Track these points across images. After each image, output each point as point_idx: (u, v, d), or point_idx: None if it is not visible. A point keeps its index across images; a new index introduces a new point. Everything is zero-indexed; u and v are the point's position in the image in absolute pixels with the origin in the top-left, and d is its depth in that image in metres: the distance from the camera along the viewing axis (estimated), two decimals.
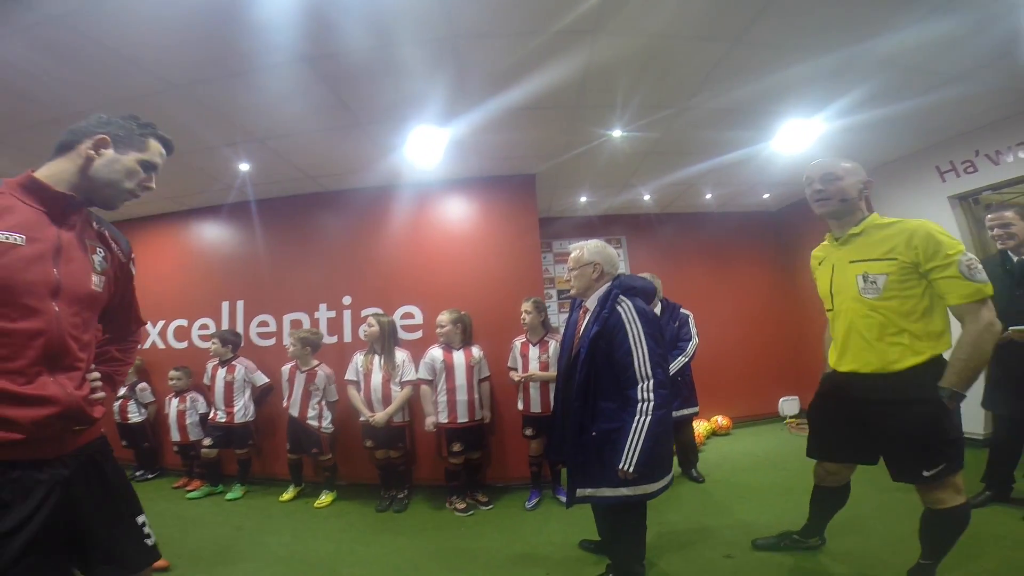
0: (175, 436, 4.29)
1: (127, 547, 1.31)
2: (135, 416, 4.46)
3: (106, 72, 2.42)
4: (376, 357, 3.66)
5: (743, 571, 2.33)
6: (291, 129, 3.26)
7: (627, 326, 1.94)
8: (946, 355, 1.80)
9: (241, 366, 4.08)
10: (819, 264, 2.15)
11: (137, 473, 4.52)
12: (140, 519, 1.38)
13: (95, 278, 1.31)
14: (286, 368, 3.97)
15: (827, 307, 2.09)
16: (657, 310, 3.76)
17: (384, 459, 3.64)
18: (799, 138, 3.66)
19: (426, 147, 3.52)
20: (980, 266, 1.72)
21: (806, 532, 2.39)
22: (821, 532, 2.39)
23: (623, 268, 5.87)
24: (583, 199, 5.31)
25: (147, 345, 4.74)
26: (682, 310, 3.77)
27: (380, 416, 3.53)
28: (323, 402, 3.88)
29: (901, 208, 4.22)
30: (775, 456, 4.27)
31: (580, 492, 2.02)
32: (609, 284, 2.11)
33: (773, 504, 3.15)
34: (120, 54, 2.33)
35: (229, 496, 3.93)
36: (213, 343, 4.15)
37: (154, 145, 1.38)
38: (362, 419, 3.62)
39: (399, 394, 3.59)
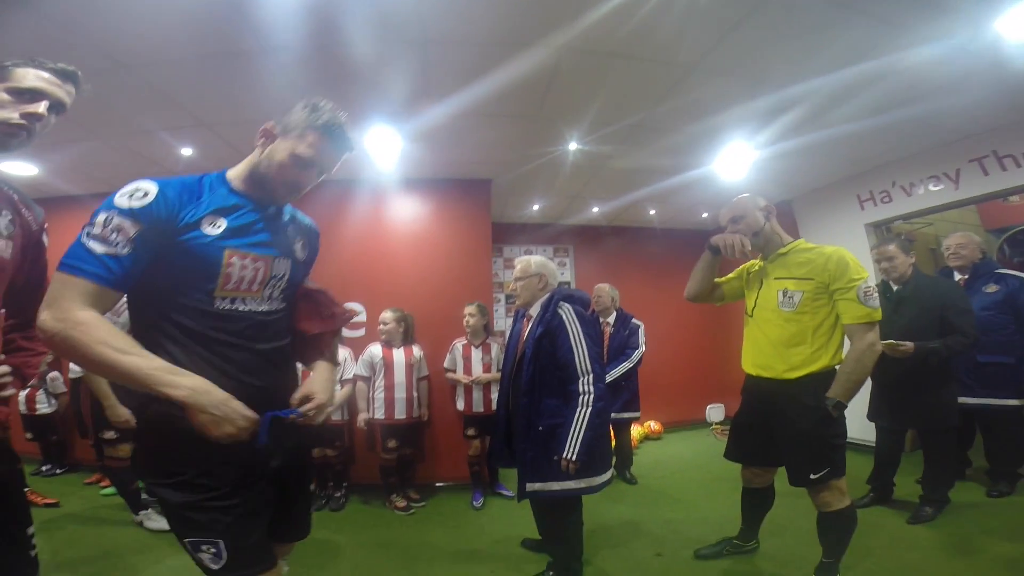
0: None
1: (10, 560, 1.19)
2: (44, 407, 4.11)
3: (49, 43, 2.26)
4: None
5: (672, 569, 2.49)
6: (243, 117, 3.14)
7: (568, 327, 2.14)
8: (838, 368, 2.04)
9: None
10: (748, 273, 2.38)
11: (43, 468, 4.19)
12: (29, 530, 1.23)
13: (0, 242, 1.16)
14: None
15: (748, 314, 2.31)
16: (611, 319, 3.98)
17: (320, 457, 3.57)
18: (737, 163, 3.93)
19: (383, 146, 3.50)
20: (876, 295, 1.97)
21: (743, 536, 2.57)
22: (756, 534, 2.57)
23: (569, 276, 6.09)
24: (536, 207, 5.42)
25: None
26: (634, 320, 3.98)
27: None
28: None
29: (823, 232, 4.63)
30: (702, 460, 4.56)
31: (530, 486, 2.12)
32: (550, 293, 2.31)
33: (700, 505, 3.37)
34: (66, 25, 2.19)
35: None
36: None
37: (24, 72, 1.19)
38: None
39: (338, 392, 3.53)
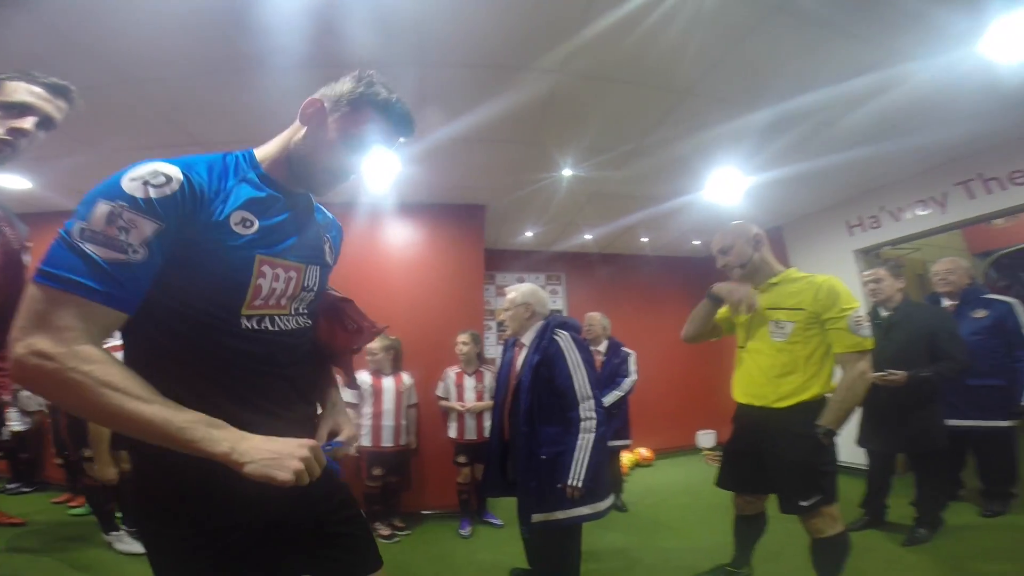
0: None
1: None
2: (16, 425, 3.96)
3: (49, 54, 2.27)
4: None
5: None
6: (239, 138, 3.15)
7: (566, 353, 2.12)
8: (829, 396, 2.04)
9: None
10: None
11: (10, 486, 4.07)
12: None
13: None
14: None
15: (740, 344, 2.31)
16: (603, 347, 3.95)
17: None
18: (728, 190, 3.99)
19: (378, 168, 3.52)
20: (867, 324, 1.98)
21: (737, 563, 2.51)
22: (749, 560, 2.51)
23: (561, 304, 6.09)
24: (529, 233, 5.45)
25: None
26: (624, 348, 3.94)
27: None
28: None
29: (813, 258, 4.69)
30: (693, 486, 4.48)
31: (535, 518, 2.04)
32: (544, 321, 2.30)
33: (692, 532, 3.30)
34: (69, 39, 2.20)
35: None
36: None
37: (15, 86, 1.17)
38: None
39: None
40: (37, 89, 1.19)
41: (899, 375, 2.65)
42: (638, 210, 4.66)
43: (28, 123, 1.17)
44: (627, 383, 3.83)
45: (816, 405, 1.99)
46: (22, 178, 3.76)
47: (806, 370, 2.02)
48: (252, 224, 0.91)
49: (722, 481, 2.36)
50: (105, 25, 2.13)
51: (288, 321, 0.99)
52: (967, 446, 3.19)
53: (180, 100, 2.75)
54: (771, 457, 2.08)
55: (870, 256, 4.49)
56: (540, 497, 2.04)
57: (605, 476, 2.10)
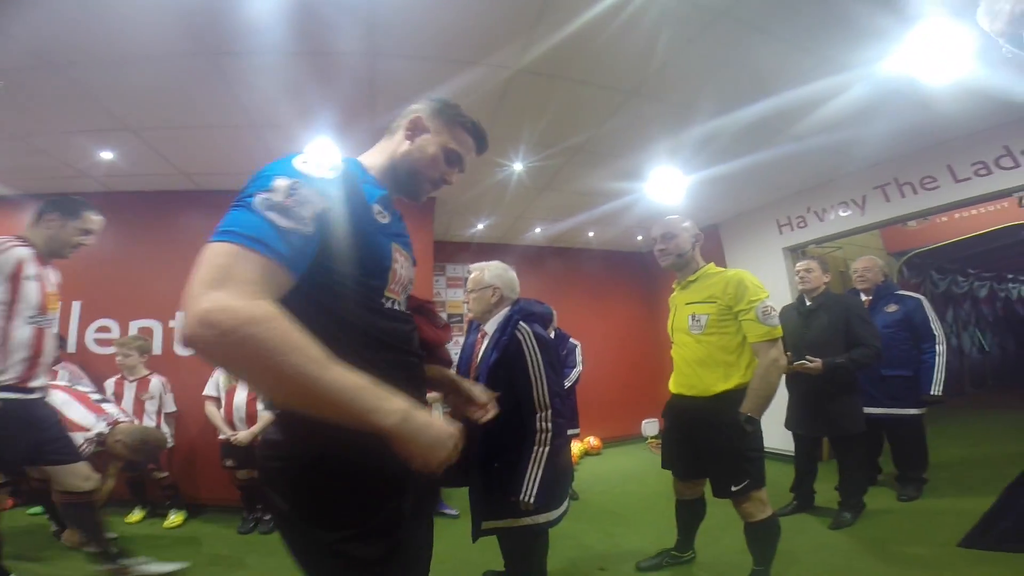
0: None
1: None
2: None
3: None
4: None
5: None
6: (174, 122, 2.99)
7: (527, 355, 1.92)
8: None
9: (66, 372, 3.51)
10: (671, 305, 2.50)
11: None
12: None
13: None
14: (111, 381, 3.56)
15: (671, 340, 2.44)
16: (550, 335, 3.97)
17: (247, 479, 3.35)
18: (668, 188, 4.13)
19: (324, 159, 3.40)
20: (775, 313, 2.12)
21: (680, 547, 2.64)
22: (692, 544, 2.65)
23: None
24: (480, 226, 5.45)
25: None
26: (571, 340, 4.03)
27: (244, 435, 3.30)
28: (161, 413, 3.55)
29: (746, 255, 4.95)
30: (640, 474, 4.67)
31: (485, 524, 1.95)
32: (509, 309, 2.08)
33: (640, 518, 3.44)
34: None
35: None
36: None
37: None
38: (222, 437, 3.36)
39: (265, 413, 3.35)
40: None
41: (816, 363, 2.86)
42: (585, 206, 4.77)
43: None
44: (574, 373, 3.93)
45: (738, 394, 2.10)
46: None
47: (725, 360, 2.15)
48: (385, 216, 1.01)
49: (665, 462, 2.49)
50: (24, 6, 1.98)
51: (403, 309, 1.08)
52: (883, 432, 3.47)
53: (106, 84, 2.57)
54: (702, 444, 2.21)
55: (797, 253, 4.78)
56: (490, 503, 1.94)
57: (561, 485, 1.98)
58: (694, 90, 2.83)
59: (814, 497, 3.35)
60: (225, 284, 0.71)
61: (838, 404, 3.00)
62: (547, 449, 1.85)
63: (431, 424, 0.80)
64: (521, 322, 2.00)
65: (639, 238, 6.17)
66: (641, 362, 6.47)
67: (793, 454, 3.40)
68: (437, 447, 0.80)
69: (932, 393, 3.24)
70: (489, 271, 2.16)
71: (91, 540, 2.36)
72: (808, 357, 2.87)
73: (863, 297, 3.58)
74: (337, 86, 2.65)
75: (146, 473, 3.47)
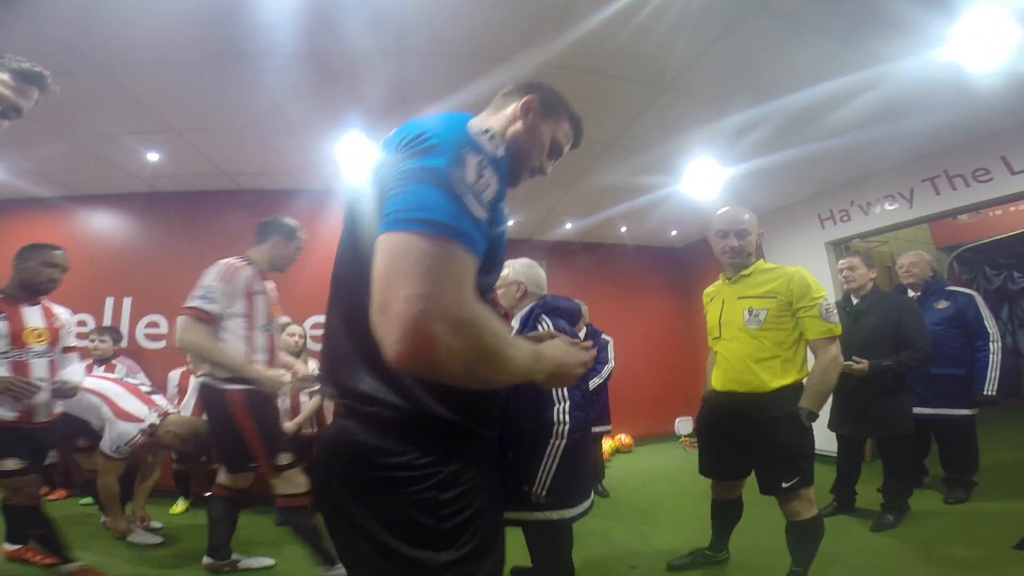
0: None
1: None
2: None
3: (18, 41, 2.18)
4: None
5: None
6: (215, 124, 3.10)
7: None
8: (805, 381, 2.13)
9: (123, 366, 3.69)
10: (711, 300, 2.44)
11: None
12: None
13: None
14: (176, 373, 3.68)
15: (714, 335, 2.37)
16: (582, 335, 3.96)
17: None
18: (706, 182, 4.05)
19: (356, 155, 3.48)
20: (836, 311, 2.09)
21: (715, 547, 2.60)
22: (726, 544, 2.61)
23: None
24: (510, 222, 5.44)
25: None
26: (603, 336, 4.01)
27: (289, 426, 3.39)
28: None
29: (787, 251, 4.80)
30: (672, 472, 4.59)
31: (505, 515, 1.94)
32: (532, 304, 2.08)
33: (671, 517, 3.40)
34: (38, 25, 2.14)
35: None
36: (93, 339, 3.71)
37: None
38: None
39: (307, 404, 3.45)
40: (5, 76, 1.16)
41: (862, 364, 2.76)
42: (618, 201, 4.71)
43: None
44: (605, 370, 3.90)
45: (795, 389, 2.08)
46: None
47: (782, 356, 2.11)
48: (505, 206, 0.86)
49: (704, 469, 2.43)
50: (73, 11, 2.08)
51: None
52: (931, 434, 3.34)
53: (152, 87, 2.69)
54: (753, 441, 2.15)
55: (840, 248, 4.62)
56: (507, 496, 1.82)
57: (579, 481, 1.94)
58: (730, 84, 2.77)
59: (855, 498, 3.25)
60: (450, 289, 0.60)
61: (886, 405, 2.89)
62: (563, 442, 1.82)
63: (563, 359, 0.88)
64: (544, 315, 2.01)
65: (673, 233, 6.07)
66: (675, 359, 6.37)
67: (834, 455, 3.30)
68: (575, 373, 0.90)
69: (985, 393, 3.10)
70: (514, 268, 2.18)
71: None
72: (855, 358, 2.78)
73: (910, 293, 3.43)
74: (370, 85, 2.69)
75: (197, 464, 3.60)
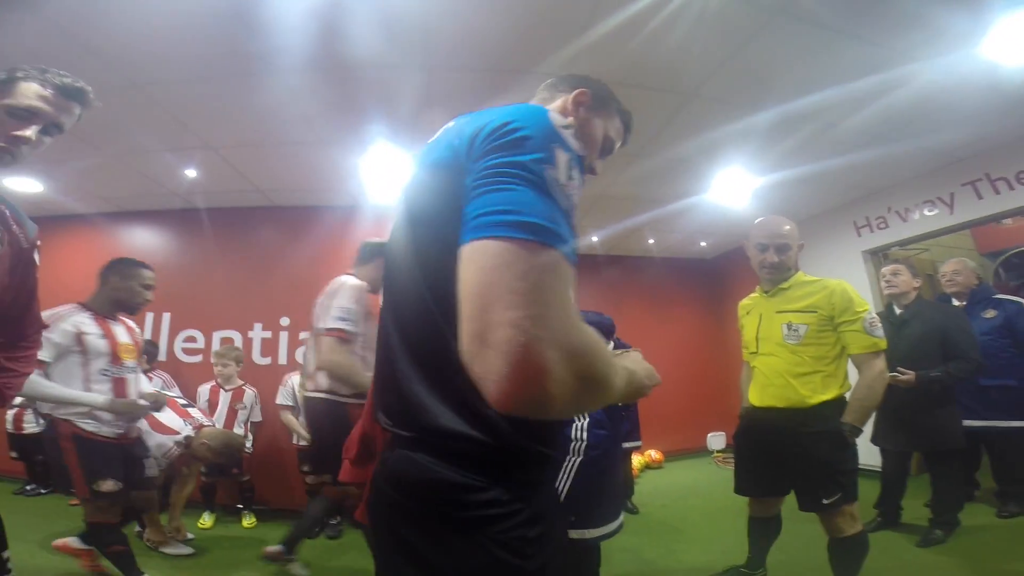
0: None
1: None
2: (31, 427, 4.00)
3: (61, 57, 2.31)
4: None
5: None
6: (248, 140, 3.21)
7: None
8: (847, 396, 2.05)
9: (159, 379, 3.81)
10: (747, 313, 2.37)
11: (28, 488, 4.08)
12: (4, 554, 1.20)
13: None
14: (205, 387, 3.79)
15: (751, 350, 2.31)
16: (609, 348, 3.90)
17: (316, 484, 3.49)
18: (735, 191, 3.99)
19: (385, 171, 3.54)
20: (880, 325, 2.02)
21: (751, 564, 2.51)
22: (763, 562, 2.51)
23: None
24: None
25: None
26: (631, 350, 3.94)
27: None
28: (248, 422, 3.74)
29: (821, 261, 4.65)
30: (704, 488, 4.46)
31: None
32: None
33: (703, 534, 3.29)
34: (81, 42, 2.24)
35: None
36: None
37: (26, 88, 1.13)
38: (302, 443, 3.52)
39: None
40: (48, 92, 1.15)
41: (909, 376, 2.65)
42: (644, 212, 4.66)
43: (31, 131, 1.12)
44: None
45: (837, 404, 2.01)
46: (34, 181, 3.79)
47: (824, 370, 2.04)
48: None
49: (740, 487, 2.35)
50: (115, 28, 2.18)
51: None
52: (981, 446, 3.18)
53: (188, 103, 2.79)
54: (792, 457, 2.08)
55: (878, 257, 4.47)
56: None
57: (600, 501, 1.89)
58: (756, 90, 2.74)
59: (901, 513, 3.11)
60: (567, 312, 0.51)
61: (934, 417, 2.78)
62: (579, 460, 1.80)
63: (639, 374, 0.84)
64: None
65: (703, 243, 5.98)
66: (706, 373, 6.21)
67: (878, 469, 3.17)
68: (648, 387, 0.87)
69: None
70: None
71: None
72: (900, 369, 2.65)
73: (955, 303, 3.29)
74: (396, 99, 2.75)
75: (229, 476, 3.67)
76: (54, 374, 2.18)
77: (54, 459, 2.39)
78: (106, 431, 2.27)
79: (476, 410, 0.65)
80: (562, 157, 0.57)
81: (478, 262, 0.51)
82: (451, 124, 0.74)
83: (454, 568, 0.66)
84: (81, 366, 2.24)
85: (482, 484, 0.66)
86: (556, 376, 0.47)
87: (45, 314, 2.18)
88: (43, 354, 2.10)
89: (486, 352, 0.48)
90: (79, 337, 2.25)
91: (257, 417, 3.84)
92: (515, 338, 0.46)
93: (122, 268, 2.46)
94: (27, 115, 1.12)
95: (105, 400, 2.27)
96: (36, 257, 1.29)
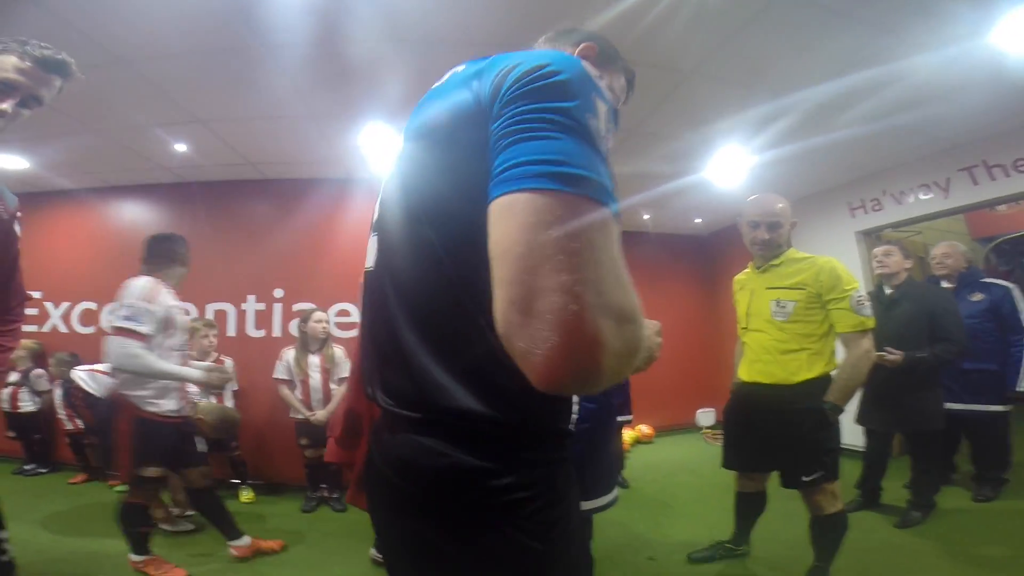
0: (68, 425, 3.98)
1: None
2: (27, 405, 4.04)
3: (44, 34, 2.23)
4: (311, 356, 3.57)
5: (665, 573, 2.51)
6: (239, 114, 3.14)
7: None
8: (833, 375, 2.08)
9: None
10: (740, 288, 2.40)
11: (27, 467, 4.11)
12: (2, 535, 1.20)
13: None
14: (201, 365, 3.77)
15: (742, 325, 2.35)
16: None
17: (315, 458, 3.54)
18: (731, 169, 3.97)
19: (379, 145, 3.49)
20: (868, 304, 2.03)
21: (736, 540, 2.59)
22: (748, 538, 2.60)
23: None
24: None
25: (47, 327, 4.34)
26: None
27: (322, 414, 3.47)
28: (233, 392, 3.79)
29: (814, 240, 4.64)
30: (693, 464, 4.56)
31: None
32: None
33: (691, 509, 3.39)
34: (65, 20, 2.16)
35: None
36: None
37: (4, 60, 1.11)
38: (300, 417, 3.55)
39: (338, 391, 3.52)
40: (26, 64, 1.12)
41: (896, 355, 2.70)
42: (640, 189, 4.63)
43: (7, 104, 1.10)
44: None
45: (822, 383, 2.04)
46: (20, 157, 3.71)
47: (809, 348, 2.07)
48: None
49: (728, 461, 2.41)
50: (94, 3, 2.10)
51: None
52: (961, 430, 3.25)
53: (177, 77, 2.71)
54: (776, 433, 2.12)
55: (871, 238, 4.49)
56: None
57: (593, 473, 1.89)
58: (756, 71, 2.70)
59: (880, 494, 3.21)
60: (622, 273, 0.47)
61: (916, 399, 2.83)
62: None
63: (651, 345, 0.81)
64: None
65: (697, 220, 5.97)
66: (699, 349, 6.28)
67: (861, 449, 3.25)
68: (652, 356, 0.82)
69: (1019, 389, 3.02)
70: None
71: None
72: (888, 348, 2.70)
73: (944, 285, 3.33)
74: (391, 74, 2.68)
75: (228, 451, 3.70)
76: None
77: (103, 438, 2.39)
78: (166, 410, 2.31)
79: (495, 387, 0.59)
80: (601, 107, 0.52)
81: (518, 218, 0.44)
82: (460, 68, 0.67)
83: (475, 559, 0.61)
84: (164, 341, 2.27)
85: (500, 468, 0.60)
86: (610, 348, 0.42)
87: (140, 286, 2.25)
88: (145, 327, 2.17)
89: (531, 322, 0.42)
90: (170, 311, 2.28)
91: (234, 386, 3.82)
92: (568, 306, 0.41)
93: (184, 244, 2.52)
94: (3, 88, 1.09)
95: (201, 373, 2.33)
96: (17, 228, 1.28)
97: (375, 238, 0.77)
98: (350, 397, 0.95)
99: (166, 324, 2.27)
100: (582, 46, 0.88)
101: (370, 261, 0.78)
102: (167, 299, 2.31)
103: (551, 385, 0.43)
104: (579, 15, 2.24)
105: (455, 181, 0.58)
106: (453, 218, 0.57)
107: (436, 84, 0.72)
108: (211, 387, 2.44)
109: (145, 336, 2.16)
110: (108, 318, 2.23)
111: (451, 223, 0.58)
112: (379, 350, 0.71)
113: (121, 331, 2.14)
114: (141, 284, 2.27)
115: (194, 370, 2.33)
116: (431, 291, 0.62)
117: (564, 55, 0.55)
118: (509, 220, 0.45)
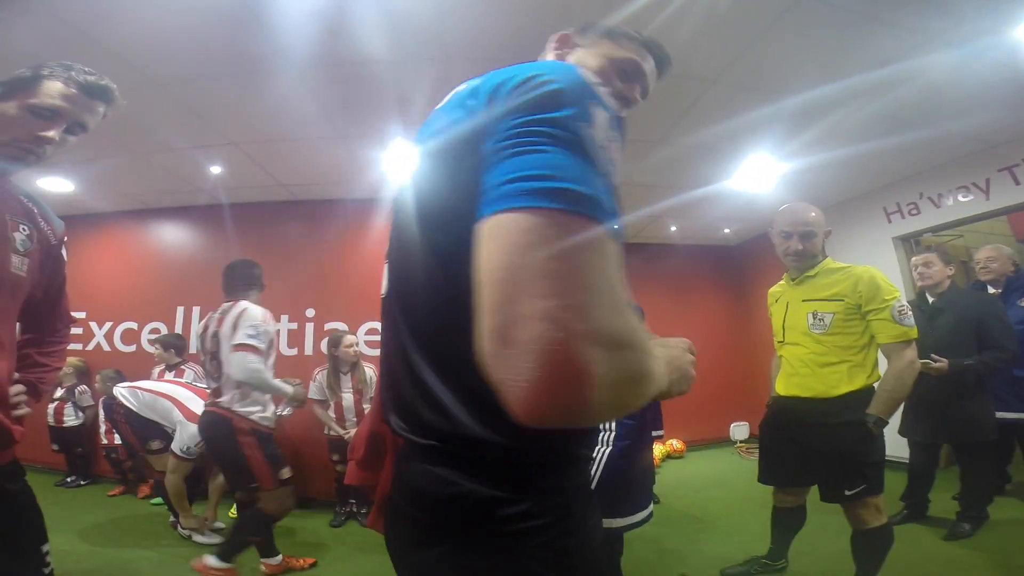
0: (104, 440, 4.13)
1: None
2: (72, 420, 4.21)
3: (80, 59, 2.36)
4: (343, 376, 3.65)
5: None
6: (270, 136, 3.25)
7: None
8: (875, 386, 2.00)
9: (191, 371, 3.92)
10: (775, 301, 2.33)
11: (68, 480, 4.26)
12: (44, 548, 1.19)
13: (15, 259, 1.10)
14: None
15: (778, 339, 2.28)
16: None
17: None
18: (762, 177, 3.90)
19: (403, 161, 3.55)
20: (910, 313, 1.95)
21: (773, 555, 2.50)
22: (785, 553, 2.50)
23: None
24: None
25: (91, 346, 4.52)
26: None
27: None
28: None
29: (850, 247, 4.53)
30: (726, 478, 4.44)
31: None
32: None
33: (724, 524, 3.29)
34: (96, 41, 2.28)
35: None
36: (156, 348, 3.97)
37: (51, 87, 1.10)
38: (332, 434, 3.63)
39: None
40: (72, 91, 1.12)
41: (941, 364, 2.57)
42: (666, 199, 4.58)
43: (53, 132, 1.10)
44: None
45: (864, 395, 1.96)
46: (65, 180, 3.89)
47: (850, 360, 1.99)
48: None
49: (765, 476, 2.34)
50: (129, 27, 2.21)
51: None
52: (1014, 439, 3.09)
53: (207, 100, 2.83)
54: (816, 447, 2.05)
55: (909, 243, 4.34)
56: None
57: (629, 491, 1.89)
58: (780, 76, 2.67)
59: (928, 506, 3.05)
60: (616, 297, 0.43)
61: (966, 408, 2.70)
62: (609, 450, 1.80)
63: (675, 365, 0.71)
64: None
65: (726, 231, 5.88)
66: (731, 362, 6.12)
67: (905, 460, 3.10)
68: (687, 375, 0.74)
69: None
70: None
71: None
72: (933, 356, 2.58)
73: (990, 290, 3.18)
74: (413, 92, 2.74)
75: None
76: None
77: (226, 458, 2.54)
78: (269, 421, 2.51)
79: (501, 412, 0.51)
80: (600, 116, 0.49)
81: (501, 240, 0.41)
82: (461, 87, 0.65)
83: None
84: (267, 359, 2.46)
85: (513, 496, 0.58)
86: (601, 379, 0.39)
87: (260, 311, 2.48)
88: (262, 344, 2.39)
89: (511, 353, 0.39)
90: (271, 333, 2.52)
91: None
92: (548, 334, 0.37)
93: (261, 269, 2.75)
94: (51, 115, 1.10)
95: (293, 389, 2.55)
96: (64, 253, 1.31)
97: (387, 265, 0.77)
98: (373, 420, 0.95)
99: (271, 344, 2.49)
100: (558, 35, 0.88)
101: (384, 287, 0.77)
102: (272, 323, 2.55)
103: (533, 420, 0.40)
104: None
105: (456, 204, 0.55)
106: (455, 243, 0.54)
107: (438, 105, 0.70)
108: (295, 402, 2.64)
109: (262, 352, 2.38)
110: (225, 337, 2.44)
111: (453, 248, 0.55)
112: (392, 376, 0.70)
113: (245, 347, 2.34)
114: (260, 310, 2.50)
115: (288, 386, 2.52)
116: (438, 317, 0.61)
117: (559, 64, 0.54)
118: (491, 243, 0.42)
